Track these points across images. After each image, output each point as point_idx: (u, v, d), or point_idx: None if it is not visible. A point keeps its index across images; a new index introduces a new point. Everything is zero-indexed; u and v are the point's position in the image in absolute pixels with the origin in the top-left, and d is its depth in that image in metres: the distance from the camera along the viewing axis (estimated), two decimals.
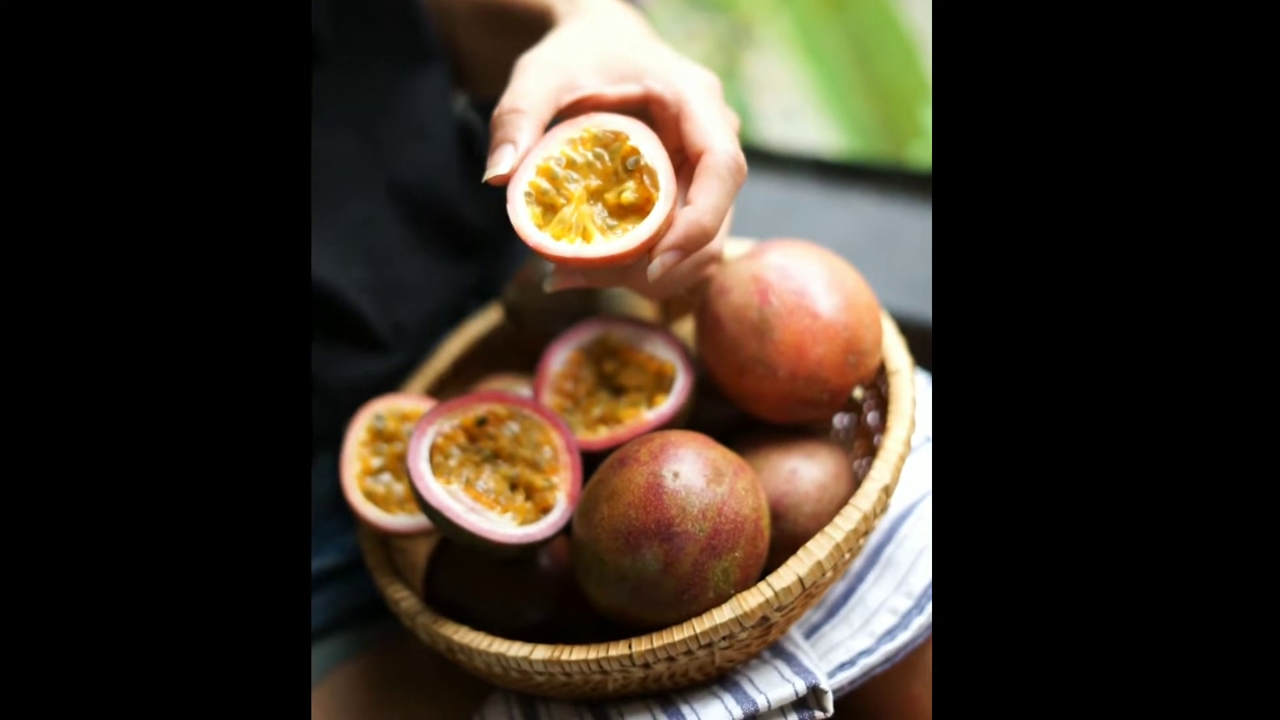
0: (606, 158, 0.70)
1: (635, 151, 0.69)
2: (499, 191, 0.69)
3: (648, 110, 0.72)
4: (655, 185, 0.68)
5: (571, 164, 0.70)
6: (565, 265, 0.68)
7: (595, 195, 0.69)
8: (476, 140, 1.04)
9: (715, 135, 0.68)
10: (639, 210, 0.69)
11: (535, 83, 0.70)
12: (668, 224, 0.67)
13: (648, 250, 0.67)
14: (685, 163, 0.70)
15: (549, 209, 0.69)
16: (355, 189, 0.92)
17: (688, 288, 0.86)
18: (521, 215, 0.68)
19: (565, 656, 0.68)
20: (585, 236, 0.68)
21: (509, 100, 0.70)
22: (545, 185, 0.69)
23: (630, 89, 0.72)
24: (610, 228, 0.69)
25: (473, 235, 1.02)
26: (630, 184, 0.69)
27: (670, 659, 0.68)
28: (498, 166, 0.68)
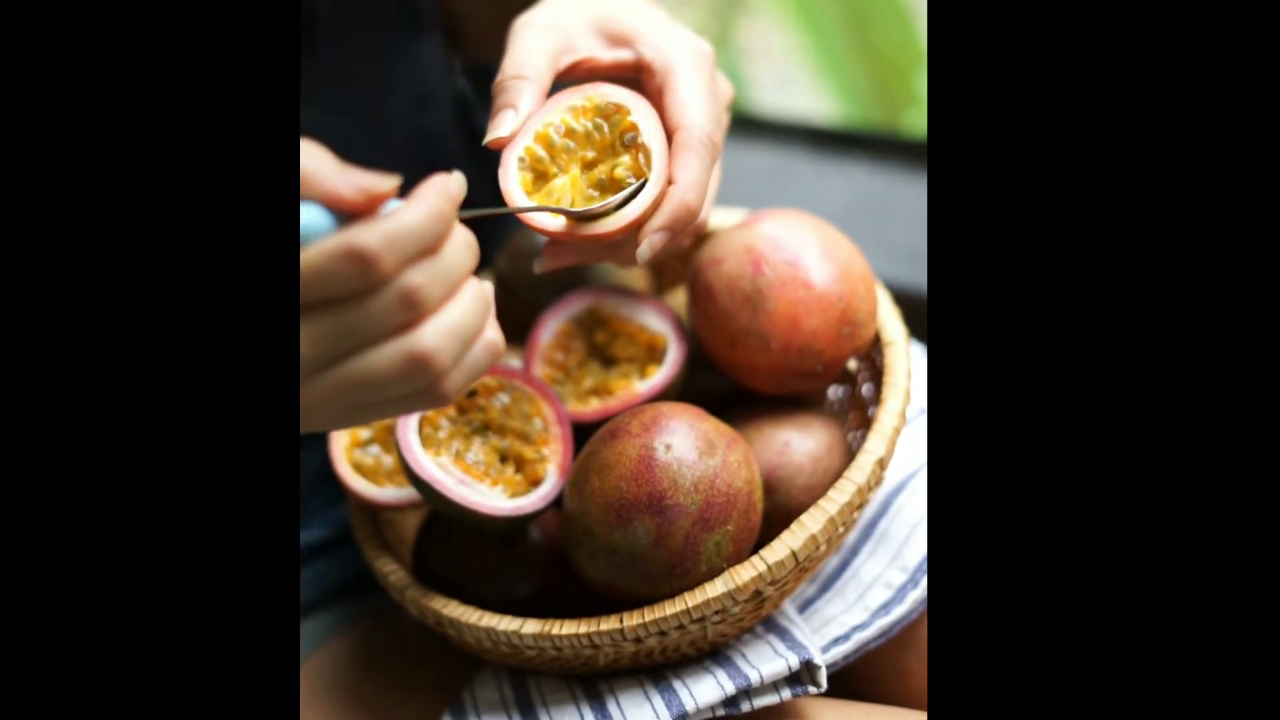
0: (605, 129, 0.70)
1: (634, 128, 0.69)
2: (495, 159, 0.68)
3: (639, 76, 0.72)
4: (648, 164, 0.68)
5: (570, 132, 0.69)
6: (553, 238, 0.68)
7: (587, 168, 0.69)
8: (470, 109, 1.04)
9: (690, 111, 0.68)
10: (620, 184, 0.68)
11: (536, 48, 0.70)
12: (655, 206, 0.66)
13: (634, 229, 0.67)
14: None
15: (541, 176, 0.69)
16: (358, 164, 0.91)
17: (673, 255, 0.86)
18: (513, 181, 0.68)
19: (556, 630, 0.68)
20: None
21: (511, 66, 0.70)
22: (541, 152, 0.69)
23: (624, 54, 0.72)
24: (591, 199, 0.68)
25: (474, 204, 1.01)
26: (625, 158, 0.68)
27: (662, 633, 0.67)
28: (498, 130, 0.68)
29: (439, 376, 0.55)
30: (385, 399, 0.56)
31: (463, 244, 0.57)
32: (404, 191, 0.94)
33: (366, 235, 0.52)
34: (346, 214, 0.56)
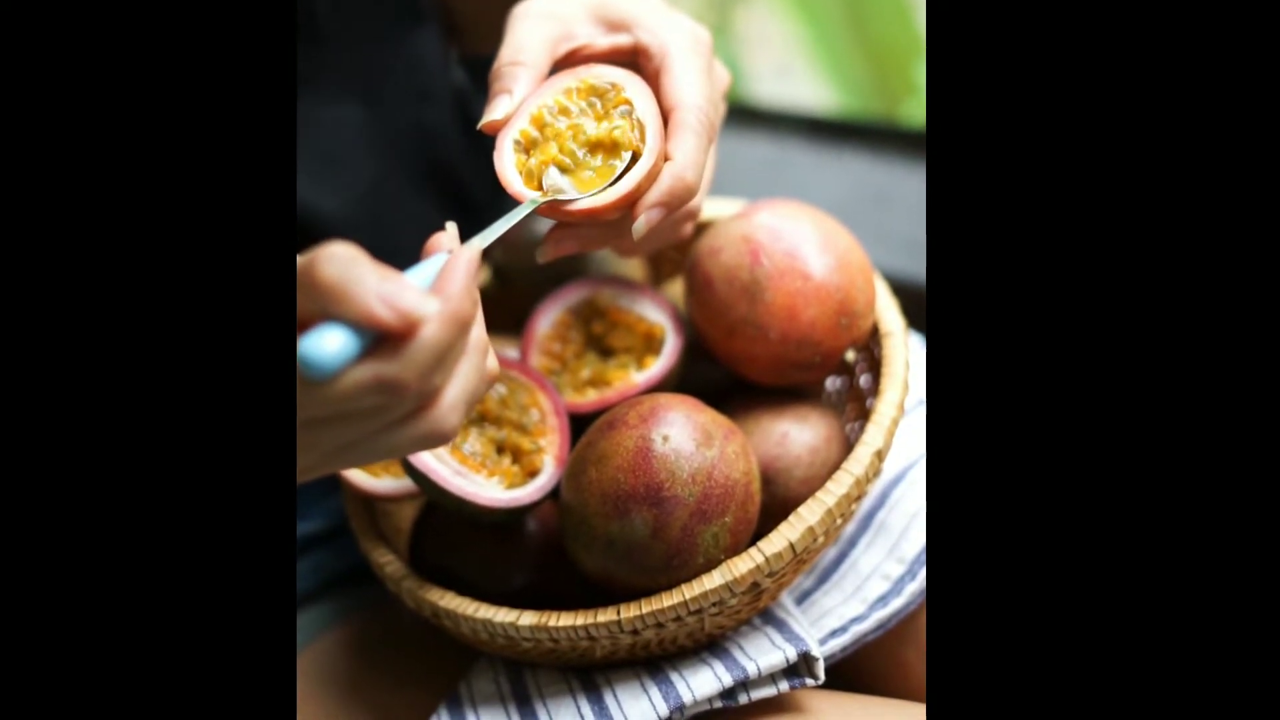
0: (599, 105, 0.69)
1: (628, 103, 0.68)
2: (493, 148, 0.68)
3: (636, 61, 0.72)
4: (642, 139, 0.67)
5: (564, 112, 0.69)
6: (555, 224, 0.68)
7: (567, 156, 0.69)
8: (468, 101, 1.03)
9: (687, 91, 0.68)
10: (612, 146, 0.68)
11: (533, 35, 0.70)
12: (649, 179, 0.66)
13: (629, 205, 0.66)
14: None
15: None
16: (359, 157, 0.91)
17: (672, 245, 0.86)
18: (508, 164, 0.67)
19: (552, 622, 0.68)
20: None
21: (508, 53, 0.70)
22: (535, 133, 0.68)
23: (622, 39, 0.72)
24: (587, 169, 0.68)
25: (472, 196, 1.01)
26: (620, 121, 0.68)
27: (659, 625, 0.67)
28: (493, 114, 0.68)
29: (449, 439, 0.57)
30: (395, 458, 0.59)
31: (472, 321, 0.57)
32: (407, 186, 0.94)
33: (398, 368, 0.53)
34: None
